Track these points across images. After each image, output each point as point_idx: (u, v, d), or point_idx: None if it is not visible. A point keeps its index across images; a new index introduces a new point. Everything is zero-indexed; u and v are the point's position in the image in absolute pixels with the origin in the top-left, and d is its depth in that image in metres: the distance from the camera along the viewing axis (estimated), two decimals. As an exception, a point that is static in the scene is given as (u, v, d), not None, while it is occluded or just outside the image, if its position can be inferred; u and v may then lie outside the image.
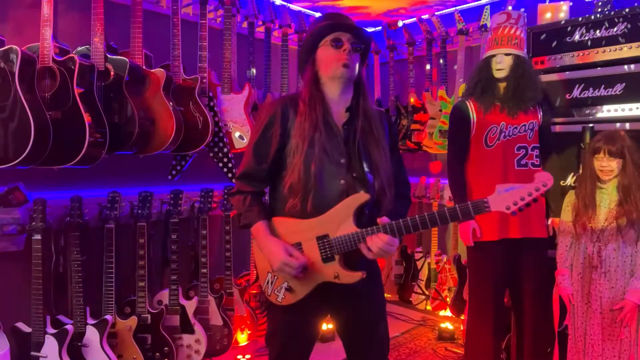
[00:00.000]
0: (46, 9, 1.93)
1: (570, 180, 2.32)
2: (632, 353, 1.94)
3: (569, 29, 2.39)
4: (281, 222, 1.43)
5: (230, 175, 2.63)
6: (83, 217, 2.16)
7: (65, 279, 2.20)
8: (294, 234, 1.40)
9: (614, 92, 2.24)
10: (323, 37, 1.43)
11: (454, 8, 3.29)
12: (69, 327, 2.06)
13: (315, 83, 1.44)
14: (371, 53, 3.65)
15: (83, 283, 2.11)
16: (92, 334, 2.11)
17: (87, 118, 1.91)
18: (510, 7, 2.81)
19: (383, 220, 1.33)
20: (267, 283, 1.46)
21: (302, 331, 1.49)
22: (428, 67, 3.33)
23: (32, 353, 1.98)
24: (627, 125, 2.18)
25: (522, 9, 2.47)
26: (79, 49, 2.16)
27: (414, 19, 3.45)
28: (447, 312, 3.20)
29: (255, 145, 1.46)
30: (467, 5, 3.32)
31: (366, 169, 1.42)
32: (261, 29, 2.94)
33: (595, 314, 1.98)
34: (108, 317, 2.16)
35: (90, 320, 2.14)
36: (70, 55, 1.96)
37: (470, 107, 2.23)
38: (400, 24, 3.48)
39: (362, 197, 1.36)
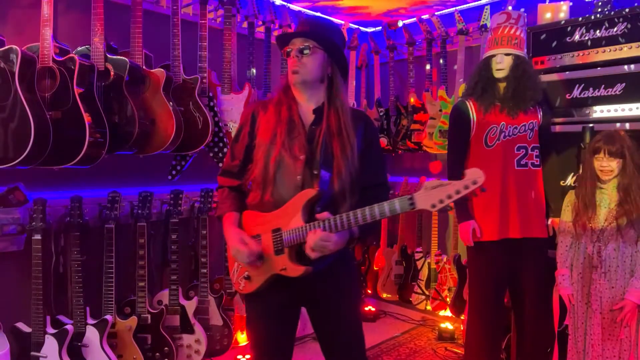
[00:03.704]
0: (46, 9, 1.93)
1: (570, 180, 2.32)
2: (632, 353, 1.94)
3: (569, 29, 2.39)
4: (247, 215, 1.52)
5: (230, 175, 2.63)
6: (83, 217, 2.16)
7: (65, 279, 2.20)
8: (256, 226, 1.48)
9: (614, 92, 2.24)
10: (281, 50, 1.53)
11: (454, 8, 3.29)
12: (69, 327, 2.06)
13: (286, 88, 1.54)
14: (371, 53, 3.66)
15: (83, 283, 2.11)
16: (92, 334, 2.11)
17: (87, 118, 1.91)
18: (510, 7, 2.81)
19: (323, 215, 1.36)
20: (234, 271, 1.55)
21: (267, 319, 1.52)
22: (428, 67, 3.33)
23: (32, 353, 1.98)
24: (627, 125, 2.18)
25: (522, 9, 2.47)
26: (79, 49, 2.16)
27: (414, 19, 3.45)
28: (447, 312, 3.20)
29: (231, 144, 1.61)
30: (467, 5, 3.32)
31: (324, 168, 1.43)
32: (261, 29, 2.94)
33: (595, 314, 1.98)
34: (108, 317, 2.16)
35: (90, 320, 2.14)
36: (70, 55, 1.96)
37: (470, 107, 2.23)
38: (400, 24, 3.48)
39: (309, 192, 1.40)
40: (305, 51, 1.45)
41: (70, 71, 1.92)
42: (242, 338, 2.79)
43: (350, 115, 1.50)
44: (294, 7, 3.24)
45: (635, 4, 2.24)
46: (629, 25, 2.20)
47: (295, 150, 1.45)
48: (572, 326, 2.08)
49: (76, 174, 2.31)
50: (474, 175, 1.24)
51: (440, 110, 3.14)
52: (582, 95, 2.34)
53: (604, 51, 2.27)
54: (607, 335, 1.97)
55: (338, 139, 1.45)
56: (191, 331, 2.43)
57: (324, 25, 1.53)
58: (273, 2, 3.07)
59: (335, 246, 1.36)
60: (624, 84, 2.21)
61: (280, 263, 1.42)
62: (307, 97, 1.52)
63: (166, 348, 2.32)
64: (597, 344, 1.98)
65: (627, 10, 2.21)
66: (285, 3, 3.15)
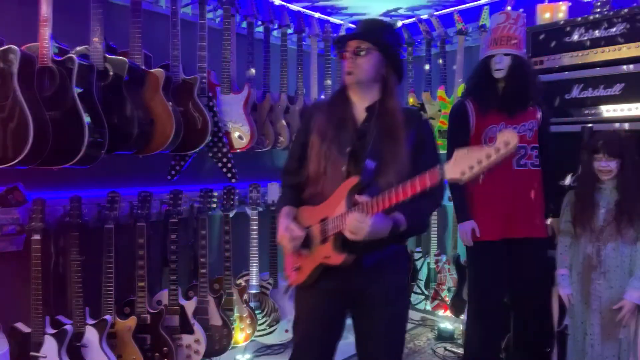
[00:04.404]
0: (45, 9, 1.93)
1: (569, 180, 2.32)
2: (631, 353, 1.94)
3: (568, 29, 2.39)
4: (302, 209, 1.58)
5: (229, 175, 2.63)
6: (82, 217, 2.15)
7: (65, 279, 2.19)
8: (308, 219, 1.53)
9: (613, 92, 2.25)
10: (337, 53, 1.59)
11: (453, 8, 3.29)
12: (69, 327, 2.05)
13: (342, 90, 1.60)
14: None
15: (82, 283, 2.10)
16: (91, 334, 2.10)
17: (86, 118, 1.91)
18: (509, 8, 2.81)
19: (361, 198, 1.37)
20: (290, 265, 1.62)
21: (315, 310, 1.57)
22: (427, 67, 3.33)
23: (32, 353, 1.98)
24: (627, 125, 2.18)
25: (521, 9, 2.47)
26: (78, 48, 2.16)
27: (413, 19, 3.45)
28: (447, 312, 3.20)
29: (291, 144, 1.74)
30: (466, 5, 3.33)
31: (370, 158, 1.44)
32: (260, 29, 2.94)
33: (594, 313, 1.99)
34: (107, 317, 2.16)
35: (89, 321, 2.13)
36: (70, 55, 1.96)
37: (470, 107, 2.23)
38: (399, 24, 3.48)
39: (352, 181, 1.42)
40: (361, 52, 1.48)
41: (69, 71, 1.92)
42: (241, 338, 2.79)
43: (403, 114, 1.52)
44: (293, 7, 3.24)
45: (634, 4, 2.24)
46: (627, 26, 2.20)
47: (343, 144, 1.49)
48: (571, 326, 2.08)
49: (75, 174, 2.31)
50: (506, 136, 1.14)
51: (440, 111, 3.14)
52: (581, 96, 2.35)
53: (603, 51, 2.28)
54: (606, 335, 1.97)
55: (388, 137, 1.47)
56: (190, 331, 2.43)
57: (380, 27, 1.54)
58: (272, 2, 3.06)
59: (372, 228, 1.33)
60: (623, 84, 2.22)
61: (324, 251, 1.46)
62: (360, 97, 1.55)
63: (165, 348, 2.32)
64: (597, 343, 1.98)
65: (625, 10, 2.21)
66: (284, 3, 3.15)
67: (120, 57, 2.13)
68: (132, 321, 2.25)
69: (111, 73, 2.10)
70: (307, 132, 1.59)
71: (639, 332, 1.94)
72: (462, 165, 1.18)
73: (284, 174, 1.69)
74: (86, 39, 2.12)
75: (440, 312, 3.26)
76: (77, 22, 2.24)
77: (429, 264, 3.32)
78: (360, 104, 1.56)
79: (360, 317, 1.57)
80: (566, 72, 2.40)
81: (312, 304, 1.57)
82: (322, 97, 3.22)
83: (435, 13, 3.35)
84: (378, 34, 1.51)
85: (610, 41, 2.26)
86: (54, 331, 2.02)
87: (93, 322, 2.13)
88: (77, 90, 1.92)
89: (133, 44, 2.23)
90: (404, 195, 1.28)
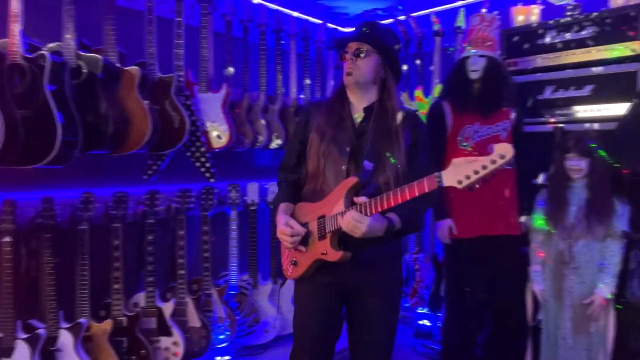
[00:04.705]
0: (15, 4, 1.87)
1: (542, 178, 2.38)
2: (602, 346, 2.01)
3: (541, 31, 2.46)
4: (300, 206, 1.62)
5: (208, 175, 2.60)
6: (55, 218, 2.10)
7: (37, 282, 2.14)
8: (306, 215, 1.57)
9: (583, 93, 2.32)
10: (337, 53, 1.64)
11: (430, 10, 3.33)
12: (42, 331, 2.00)
13: (341, 90, 1.64)
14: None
15: (56, 286, 2.05)
16: (65, 338, 2.06)
17: (58, 117, 1.86)
18: (484, 10, 2.86)
19: (360, 199, 1.42)
20: (285, 258, 1.66)
21: (314, 305, 1.60)
22: (405, 67, 3.37)
23: (3, 359, 1.92)
24: (596, 126, 2.25)
25: (496, 12, 2.52)
26: (50, 45, 2.10)
27: (391, 19, 3.48)
28: (425, 309, 3.25)
29: (288, 142, 1.79)
30: (443, 7, 3.37)
31: (368, 159, 1.50)
32: (238, 27, 2.92)
33: (566, 308, 2.05)
34: (82, 320, 2.11)
35: (63, 324, 2.08)
36: (41, 52, 1.91)
37: (446, 107, 2.27)
38: (377, 24, 3.50)
39: (351, 180, 1.47)
40: (361, 54, 1.53)
41: (40, 68, 1.87)
42: (221, 339, 2.76)
43: (401, 115, 1.57)
44: (272, 5, 3.23)
45: (602, 9, 2.32)
46: (597, 29, 2.27)
47: (342, 143, 1.54)
48: (544, 320, 2.14)
49: (48, 175, 2.25)
50: (502, 149, 1.22)
51: (417, 111, 3.18)
52: (552, 96, 2.41)
53: (574, 53, 2.35)
54: (578, 329, 2.03)
55: (385, 137, 1.52)
56: (168, 333, 2.40)
57: (380, 29, 1.59)
58: (250, 0, 3.04)
59: (369, 228, 1.38)
60: (592, 86, 2.29)
61: (322, 247, 1.50)
62: (359, 98, 1.60)
63: (143, 351, 2.28)
64: (569, 337, 2.05)
65: (595, 14, 2.28)
66: (262, 2, 3.13)
67: (94, 55, 2.08)
68: (107, 324, 2.21)
69: (85, 71, 2.05)
70: (306, 130, 1.63)
71: (608, 325, 2.01)
72: (459, 174, 1.25)
73: (281, 170, 1.73)
74: (58, 35, 2.07)
75: (419, 309, 3.31)
76: (49, 18, 2.18)
77: (407, 262, 3.36)
78: (359, 104, 1.60)
79: (356, 309, 1.60)
80: (539, 74, 2.46)
81: (310, 299, 1.61)
82: (302, 96, 3.22)
83: (413, 14, 3.39)
84: (378, 36, 1.56)
85: (580, 44, 2.33)
86: (26, 336, 1.97)
87: (67, 325, 2.08)
88: (49, 88, 1.87)
89: (107, 41, 2.19)
90: (402, 199, 1.34)
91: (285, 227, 1.53)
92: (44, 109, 1.86)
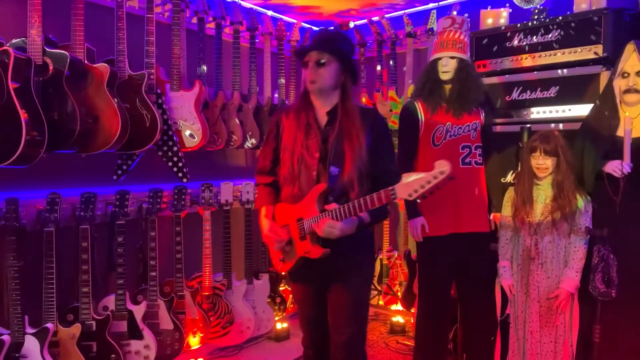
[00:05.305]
0: (-25, -3, 1.80)
1: (510, 177, 2.45)
2: (567, 338, 2.08)
3: (509, 34, 2.52)
4: (279, 207, 1.79)
5: (180, 174, 2.56)
6: (19, 220, 2.03)
7: (1, 286, 2.06)
8: (285, 217, 1.75)
9: (549, 94, 2.40)
10: (299, 62, 1.75)
11: (402, 11, 3.38)
12: (6, 337, 1.94)
13: (305, 95, 1.77)
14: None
15: (21, 290, 1.99)
16: (31, 344, 1.99)
17: (23, 115, 1.80)
18: (454, 12, 2.93)
19: (330, 206, 1.60)
20: (274, 255, 1.84)
21: (304, 294, 1.85)
22: (379, 68, 3.40)
23: (-37, 367, 1.85)
24: (561, 126, 2.33)
25: (466, 14, 2.58)
26: (14, 41, 2.03)
27: (365, 20, 3.51)
28: (399, 306, 3.29)
29: (262, 146, 1.91)
30: (415, 9, 3.43)
31: (333, 165, 1.66)
32: (212, 25, 2.89)
33: (533, 302, 2.11)
34: (49, 325, 2.05)
35: (29, 329, 2.02)
36: (4, 48, 1.84)
37: (419, 107, 2.30)
38: (351, 24, 3.53)
39: (320, 187, 1.65)
40: (322, 62, 1.66)
41: (4, 65, 1.80)
42: (194, 341, 2.73)
43: (360, 113, 1.71)
44: (246, 4, 3.20)
45: (568, 12, 2.40)
46: (562, 32, 2.35)
47: (312, 149, 1.69)
48: (512, 315, 2.20)
49: (12, 175, 2.17)
50: (441, 166, 1.42)
51: (391, 110, 3.22)
52: (520, 98, 2.48)
53: (540, 56, 2.42)
54: (544, 322, 2.10)
55: (347, 138, 1.66)
56: (140, 337, 2.35)
57: (337, 38, 1.72)
58: (223, -1, 3.02)
59: (342, 231, 1.58)
60: (557, 87, 2.37)
61: (304, 247, 1.68)
62: (322, 102, 1.74)
63: (113, 355, 2.23)
64: (535, 330, 2.11)
65: (560, 18, 2.36)
66: (236, 0, 3.11)
67: (61, 51, 2.02)
68: (76, 328, 2.15)
69: (51, 67, 1.99)
70: (278, 135, 1.78)
71: (573, 318, 2.09)
72: (409, 188, 1.46)
73: (258, 173, 1.88)
74: (23, 31, 2.00)
75: (393, 307, 3.35)
76: (13, 14, 2.11)
77: (381, 260, 3.40)
78: (322, 108, 1.74)
79: (334, 287, 1.76)
80: (507, 75, 2.53)
81: (301, 290, 1.85)
82: (276, 95, 3.21)
83: (386, 15, 3.42)
84: (337, 45, 1.68)
85: (546, 47, 2.40)
86: (-11, 342, 1.90)
87: (33, 330, 2.02)
88: (13, 85, 1.81)
89: (75, 37, 2.13)
90: (366, 208, 1.55)
91: (270, 233, 1.72)
92: (7, 106, 1.79)
